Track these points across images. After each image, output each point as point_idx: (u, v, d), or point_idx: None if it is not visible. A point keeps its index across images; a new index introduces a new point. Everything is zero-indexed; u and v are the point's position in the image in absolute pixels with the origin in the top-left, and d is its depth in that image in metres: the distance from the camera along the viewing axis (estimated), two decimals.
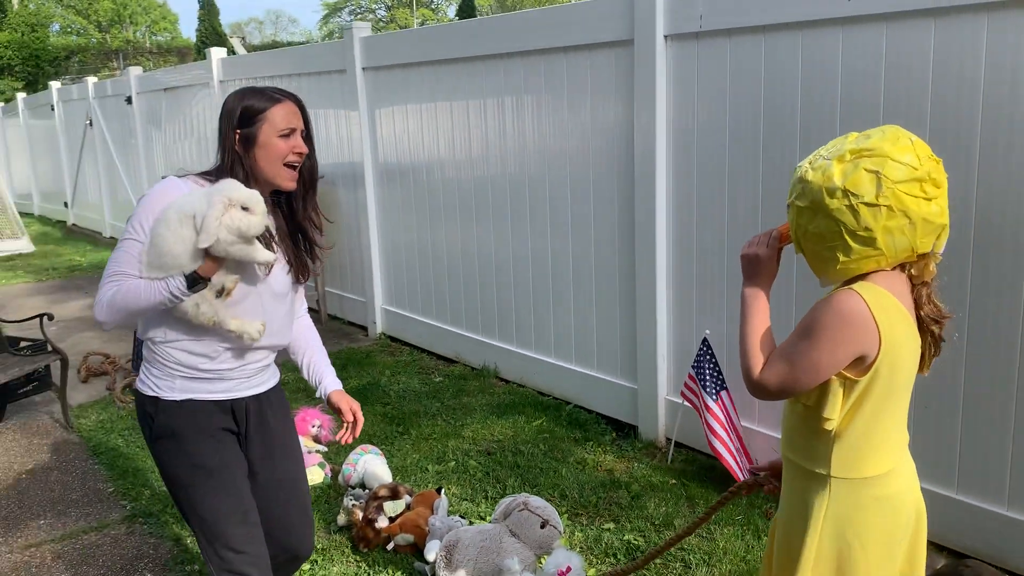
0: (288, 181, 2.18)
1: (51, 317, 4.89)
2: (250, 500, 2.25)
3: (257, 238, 2.03)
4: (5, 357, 4.86)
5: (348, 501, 3.46)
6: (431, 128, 5.45)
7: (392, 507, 3.37)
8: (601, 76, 4.18)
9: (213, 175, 2.15)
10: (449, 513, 3.38)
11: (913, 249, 1.68)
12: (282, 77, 6.99)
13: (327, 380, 2.47)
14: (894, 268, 1.73)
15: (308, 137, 2.23)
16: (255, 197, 2.02)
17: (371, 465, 3.73)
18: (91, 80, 11.68)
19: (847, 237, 1.65)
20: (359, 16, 57.36)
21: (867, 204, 1.62)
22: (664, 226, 4.01)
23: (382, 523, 3.29)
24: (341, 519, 3.47)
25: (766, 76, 3.46)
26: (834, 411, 1.73)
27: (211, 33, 28.51)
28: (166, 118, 9.50)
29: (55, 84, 13.54)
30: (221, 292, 2.07)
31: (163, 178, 2.23)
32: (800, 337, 1.70)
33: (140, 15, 47.42)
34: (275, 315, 2.23)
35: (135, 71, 10.30)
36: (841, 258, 1.68)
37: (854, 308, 1.65)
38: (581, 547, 3.28)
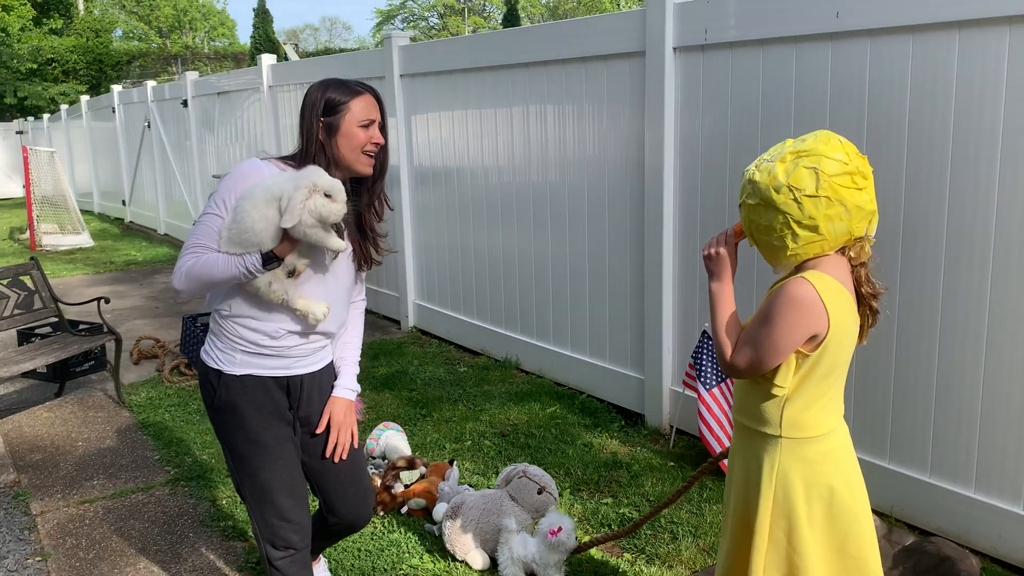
0: (366, 167, 2.31)
1: (107, 300, 5.32)
2: (299, 473, 2.42)
3: (332, 226, 2.19)
4: (66, 336, 5.29)
5: (369, 470, 3.78)
6: (461, 134, 5.78)
7: (408, 476, 3.69)
8: (616, 85, 4.46)
9: (295, 159, 2.29)
10: (459, 483, 3.68)
11: (850, 233, 1.94)
12: None
13: (342, 382, 2.52)
14: (836, 253, 1.99)
15: (383, 129, 2.35)
16: (338, 186, 2.16)
17: (392, 440, 4.05)
18: (150, 84, 12.27)
19: (794, 226, 1.92)
20: (411, 24, 58.24)
21: (809, 196, 1.89)
22: (671, 229, 4.27)
23: (398, 489, 3.60)
24: None
25: (764, 86, 3.72)
26: (786, 381, 1.99)
27: (265, 40, 29.32)
28: (219, 121, 9.99)
29: (116, 88, 14.19)
30: (292, 273, 2.21)
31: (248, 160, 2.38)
32: (761, 323, 1.97)
33: (199, 21, 48.70)
34: (336, 300, 2.36)
35: (191, 76, 10.82)
36: (791, 245, 1.94)
37: (806, 294, 1.91)
38: (580, 518, 3.56)
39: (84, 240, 12.41)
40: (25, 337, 5.72)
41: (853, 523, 2.02)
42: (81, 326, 5.69)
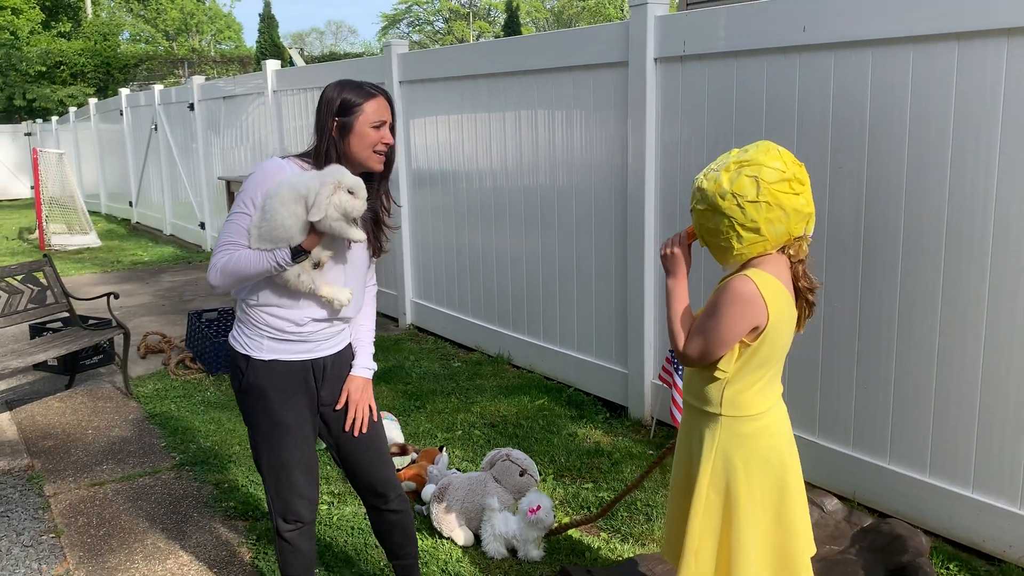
0: (377, 164, 2.48)
1: (116, 296, 5.55)
2: (313, 452, 2.60)
3: (352, 220, 2.36)
4: (76, 330, 5.53)
5: None
6: (458, 139, 6.01)
7: (399, 461, 3.91)
8: (602, 94, 4.69)
9: (311, 156, 2.45)
10: (448, 469, 3.90)
11: (789, 233, 2.16)
12: None
13: (359, 361, 2.68)
14: (777, 252, 2.22)
15: (392, 129, 2.50)
16: (360, 184, 2.33)
17: (386, 428, 4.26)
18: (157, 88, 12.52)
19: (738, 229, 2.14)
20: (416, 28, 58.54)
21: (750, 202, 2.11)
22: (652, 231, 4.49)
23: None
24: None
25: (737, 96, 3.94)
26: (728, 366, 2.21)
27: (271, 45, 29.61)
28: (224, 124, 10.24)
29: (124, 90, 14.46)
30: (317, 264, 2.40)
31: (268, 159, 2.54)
32: (709, 316, 2.19)
33: (206, 24, 49.00)
34: (355, 286, 2.54)
35: (198, 80, 11.07)
36: (736, 246, 2.17)
37: (748, 290, 2.14)
38: (561, 501, 3.78)
39: (91, 240, 12.65)
40: (37, 331, 5.95)
41: (786, 494, 2.24)
42: (91, 321, 5.93)
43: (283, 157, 2.48)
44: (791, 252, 2.22)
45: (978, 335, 3.19)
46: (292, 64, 18.05)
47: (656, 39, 4.28)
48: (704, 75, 4.09)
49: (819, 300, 3.69)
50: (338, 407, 2.63)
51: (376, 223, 2.58)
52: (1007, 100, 3.01)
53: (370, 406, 2.68)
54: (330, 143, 2.43)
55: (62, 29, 31.85)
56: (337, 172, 2.33)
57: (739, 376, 2.20)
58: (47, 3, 31.26)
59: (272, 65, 8.94)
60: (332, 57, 41.60)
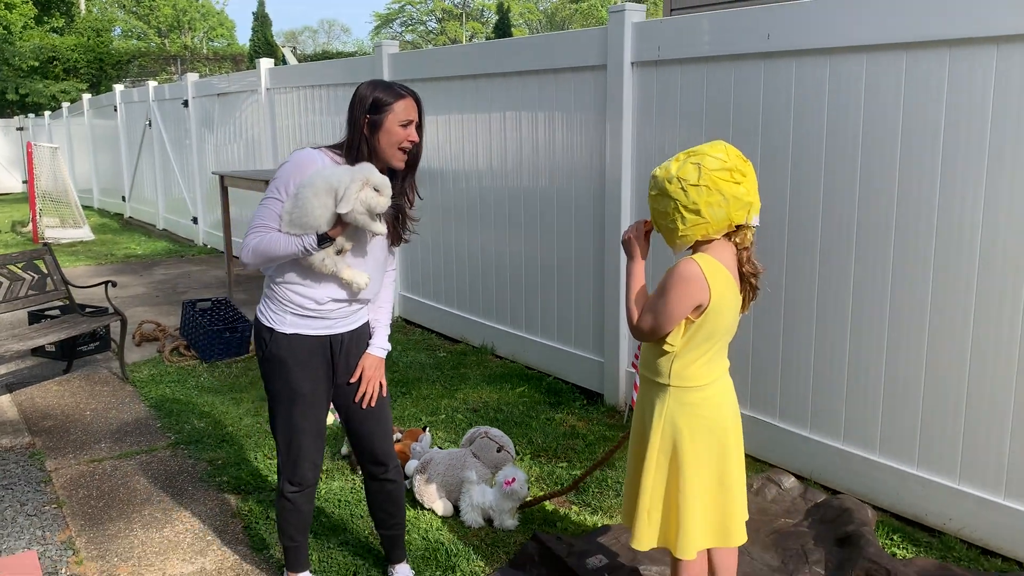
0: (400, 162, 2.67)
1: (114, 284, 5.75)
2: (323, 421, 2.83)
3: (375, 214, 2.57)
4: (75, 316, 5.73)
5: None
6: (446, 138, 6.23)
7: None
8: (582, 96, 4.92)
9: (342, 148, 2.66)
10: (430, 446, 4.13)
11: (730, 219, 2.39)
12: (322, 87, 7.85)
13: (375, 341, 2.90)
14: (724, 238, 2.45)
15: (420, 127, 2.69)
16: (386, 182, 2.53)
17: None
18: (152, 84, 12.70)
19: (682, 210, 2.38)
20: (410, 28, 58.73)
21: (692, 185, 2.35)
22: (627, 227, 4.73)
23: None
24: (344, 449, 4.24)
25: (707, 99, 4.18)
26: (675, 340, 2.45)
27: (264, 43, 29.77)
28: (218, 121, 10.43)
29: (119, 87, 14.61)
30: (340, 251, 2.64)
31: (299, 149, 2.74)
32: (658, 296, 2.43)
33: (198, 21, 49.03)
34: (373, 272, 2.76)
35: (192, 77, 11.26)
36: (680, 227, 2.40)
37: (693, 272, 2.38)
38: (537, 478, 4.01)
39: (85, 234, 12.81)
40: (36, 318, 6.15)
41: (727, 459, 2.48)
42: (88, 309, 6.12)
43: (315, 148, 2.69)
44: (736, 240, 2.46)
45: (922, 327, 3.43)
46: (285, 62, 18.24)
47: (633, 44, 4.51)
48: (677, 79, 4.33)
49: (779, 293, 3.95)
50: (351, 381, 2.83)
51: (397, 215, 2.77)
52: (948, 107, 3.25)
53: (381, 383, 2.90)
54: (361, 138, 2.62)
55: (55, 25, 31.91)
56: (366, 170, 2.55)
57: (686, 350, 2.43)
58: None
59: (266, 63, 9.14)
60: (324, 56, 41.76)
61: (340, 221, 2.57)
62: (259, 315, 2.80)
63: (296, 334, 2.73)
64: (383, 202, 2.54)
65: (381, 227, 2.62)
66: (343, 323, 2.80)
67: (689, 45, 4.21)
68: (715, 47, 4.08)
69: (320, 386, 2.81)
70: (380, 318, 2.94)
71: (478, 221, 6.01)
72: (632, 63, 4.54)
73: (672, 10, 8.86)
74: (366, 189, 2.52)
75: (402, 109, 2.62)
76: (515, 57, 5.39)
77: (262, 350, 2.78)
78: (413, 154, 2.73)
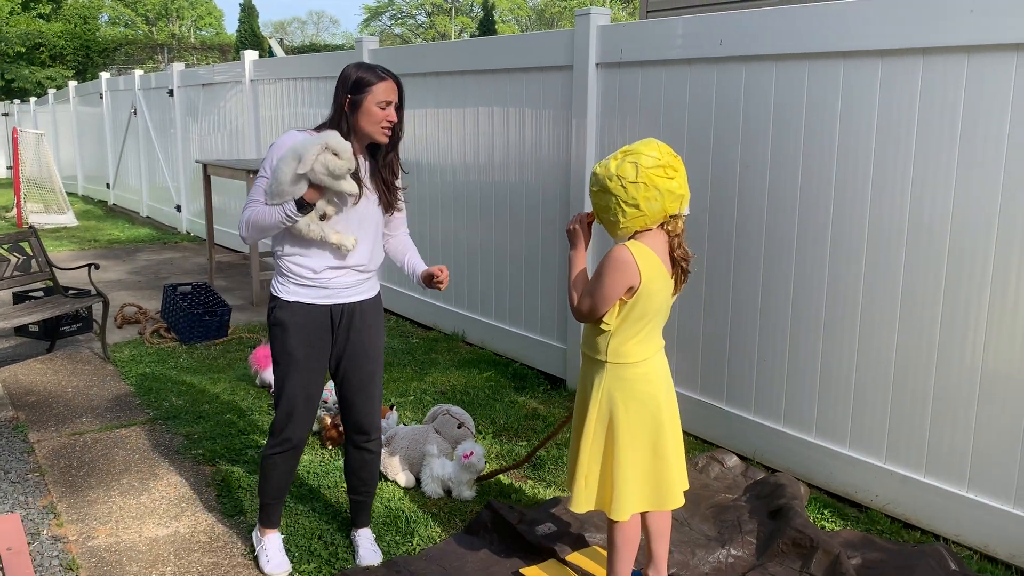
0: (383, 137, 2.90)
1: (97, 266, 5.94)
2: (317, 386, 3.04)
3: (352, 176, 2.80)
4: (58, 298, 5.91)
5: (321, 412, 4.45)
6: (421, 133, 6.45)
7: None
8: (551, 94, 5.15)
9: (325, 127, 2.88)
10: (396, 424, 4.35)
11: (665, 211, 2.63)
12: (305, 79, 8.05)
13: (419, 268, 3.14)
14: (658, 228, 2.69)
15: (400, 108, 2.91)
16: (343, 146, 2.72)
17: None
18: (138, 73, 12.83)
19: (622, 205, 2.61)
20: (399, 20, 58.81)
21: (631, 182, 2.58)
22: (593, 233, 4.95)
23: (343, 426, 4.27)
24: (315, 425, 4.46)
25: (665, 100, 4.42)
26: (611, 319, 2.69)
27: (250, 34, 29.84)
28: (203, 111, 10.60)
29: (105, 74, 14.73)
30: (324, 217, 2.86)
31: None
32: (595, 279, 2.67)
33: (186, 10, 48.89)
34: (365, 236, 2.97)
35: (178, 67, 11.41)
36: (621, 220, 2.64)
37: (624, 257, 2.62)
38: (497, 455, 4.25)
39: (69, 220, 12.94)
40: (20, 299, 6.32)
41: (660, 430, 2.72)
42: (71, 291, 6.30)
43: (300, 131, 2.94)
44: (669, 228, 2.70)
45: (854, 318, 3.68)
46: (271, 54, 18.36)
47: (597, 46, 4.74)
48: (638, 81, 4.56)
49: (727, 285, 4.20)
50: (437, 275, 3.02)
51: (387, 184, 3.02)
52: (880, 113, 3.51)
53: (378, 360, 3.14)
54: (342, 116, 2.87)
55: (42, 11, 31.84)
56: (327, 135, 2.76)
57: (621, 329, 2.67)
58: None
59: (250, 55, 9.32)
60: (312, 48, 41.78)
61: (312, 186, 2.79)
62: (271, 287, 3.07)
63: (297, 302, 2.98)
64: (340, 164, 2.73)
65: (350, 185, 2.82)
66: (345, 293, 3.02)
67: (649, 48, 4.44)
68: (672, 51, 4.31)
69: (316, 353, 3.02)
70: (414, 258, 3.20)
71: (451, 213, 6.23)
72: (596, 64, 4.78)
73: (648, 12, 9.11)
74: (326, 152, 2.73)
75: (381, 91, 2.85)
76: (491, 55, 5.61)
77: (269, 315, 3.05)
78: (396, 132, 2.96)
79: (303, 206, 2.81)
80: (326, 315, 3.03)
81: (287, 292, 3.00)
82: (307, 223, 2.86)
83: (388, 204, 3.06)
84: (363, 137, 2.93)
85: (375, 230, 3.06)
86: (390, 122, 2.89)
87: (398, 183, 3.10)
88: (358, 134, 2.91)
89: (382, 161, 3.00)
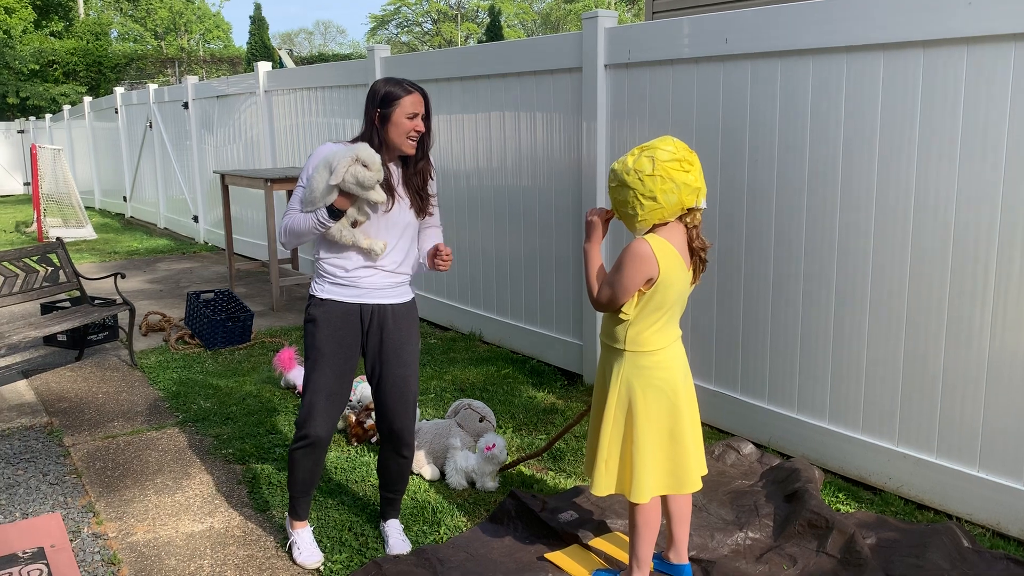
0: (410, 148, 3.05)
1: (123, 276, 6.09)
2: (343, 384, 3.14)
3: (381, 185, 2.94)
4: (85, 307, 6.07)
5: (346, 410, 4.57)
6: (435, 137, 6.57)
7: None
8: (560, 96, 5.27)
9: (358, 140, 3.03)
10: (419, 419, 4.47)
11: (682, 204, 2.74)
12: (317, 88, 8.20)
13: (426, 245, 3.22)
14: (676, 220, 2.80)
15: (427, 118, 3.07)
16: (372, 158, 2.87)
17: (365, 389, 4.82)
18: (152, 87, 13.03)
19: (640, 198, 2.72)
20: (405, 29, 59.07)
21: (648, 175, 2.69)
22: (609, 227, 5.06)
23: (368, 424, 4.39)
24: (340, 423, 4.58)
25: (673, 99, 4.53)
26: (630, 310, 2.80)
27: (260, 46, 30.14)
28: (218, 122, 10.77)
29: (119, 89, 14.94)
30: (355, 223, 3.01)
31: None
32: (615, 271, 2.78)
33: (195, 24, 49.30)
34: (396, 240, 3.10)
35: (191, 79, 11.60)
36: (639, 213, 2.75)
37: (643, 250, 2.73)
38: (517, 448, 4.36)
39: (87, 233, 13.14)
40: (47, 310, 6.48)
41: (677, 416, 2.83)
42: (97, 300, 6.46)
43: (335, 142, 3.09)
44: (687, 220, 2.81)
45: (863, 308, 3.78)
46: (281, 64, 18.56)
47: (605, 48, 4.86)
48: (646, 81, 4.68)
49: (739, 277, 4.30)
50: (429, 259, 3.15)
51: (419, 191, 3.15)
52: (884, 104, 3.61)
53: (413, 365, 3.25)
54: (373, 129, 3.03)
55: (54, 28, 32.23)
56: (357, 147, 2.91)
57: (639, 319, 2.78)
58: (39, 2, 31.62)
59: (264, 66, 9.48)
60: (321, 58, 42.06)
61: (342, 193, 2.93)
62: (310, 288, 3.22)
63: (330, 299, 3.13)
64: (369, 175, 2.88)
65: (378, 195, 2.95)
66: (376, 294, 3.14)
67: (657, 49, 4.55)
68: (679, 50, 4.42)
69: (344, 351, 3.14)
70: (431, 242, 3.26)
71: (466, 217, 6.36)
72: (605, 65, 4.89)
73: (654, 12, 9.23)
74: (355, 165, 2.87)
75: (409, 103, 3.00)
76: (500, 60, 5.73)
77: (306, 312, 3.19)
78: (423, 145, 3.11)
79: (334, 213, 2.96)
80: (356, 314, 3.14)
81: (322, 291, 3.14)
82: (339, 229, 3.00)
83: (420, 209, 3.18)
84: (393, 148, 3.07)
85: (408, 235, 3.18)
86: (417, 132, 3.03)
87: (430, 189, 3.23)
88: (388, 145, 3.06)
89: (413, 169, 3.14)
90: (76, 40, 29.68)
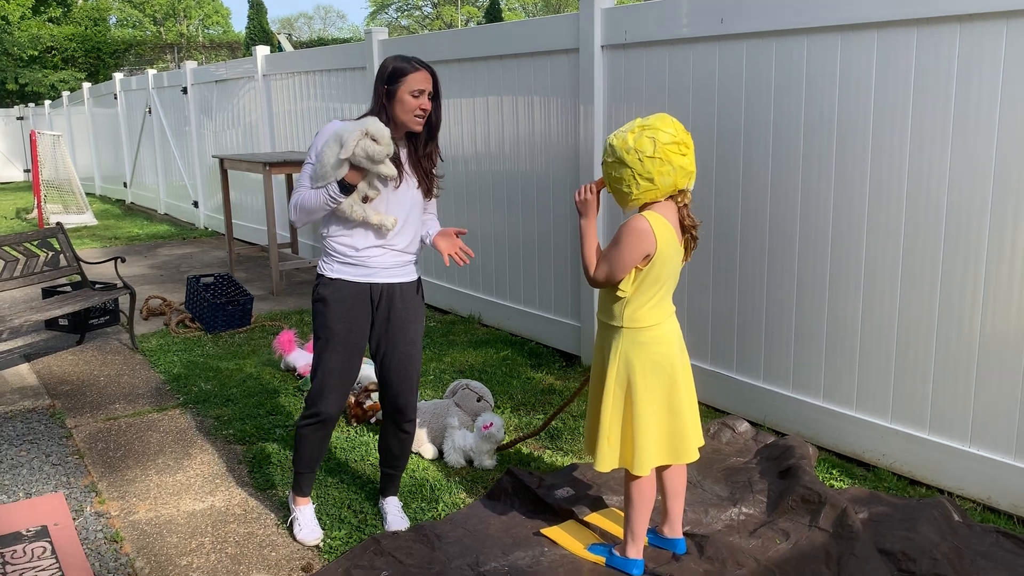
0: (416, 126, 3.04)
1: (123, 260, 6.12)
2: (352, 362, 3.15)
3: (392, 161, 2.95)
4: (86, 291, 6.10)
5: None
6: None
7: (376, 395, 4.51)
8: (558, 78, 5.28)
9: (366, 116, 2.99)
10: (418, 400, 4.51)
11: (675, 185, 2.77)
12: (316, 72, 8.20)
13: (432, 230, 3.25)
14: (667, 199, 2.82)
15: (436, 98, 3.06)
16: (382, 132, 2.86)
17: (366, 370, 4.86)
18: (151, 72, 13.02)
19: (637, 178, 2.74)
20: (405, 13, 58.85)
21: (648, 157, 2.71)
22: (601, 203, 5.08)
23: (368, 404, 4.43)
24: None
25: (669, 80, 4.54)
26: (627, 286, 2.83)
27: (259, 31, 30.06)
28: (217, 107, 10.77)
29: (118, 75, 14.92)
30: (366, 199, 3.00)
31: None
32: (613, 247, 2.80)
33: (194, 9, 49.11)
34: (404, 218, 3.10)
35: (190, 64, 11.58)
36: (634, 192, 2.77)
37: (642, 226, 2.75)
38: (516, 427, 4.40)
39: (88, 219, 13.16)
40: (48, 294, 6.52)
41: (673, 386, 2.86)
42: (97, 285, 6.49)
43: (342, 120, 3.10)
44: (678, 200, 2.83)
45: (857, 287, 3.81)
46: (280, 49, 18.52)
47: (602, 28, 4.86)
48: (643, 61, 4.68)
49: (734, 259, 4.33)
50: (439, 246, 3.18)
51: (426, 172, 3.17)
52: (877, 82, 3.62)
53: (417, 342, 3.28)
54: (380, 106, 3.04)
55: (52, 14, 32.12)
56: (367, 122, 2.91)
57: (636, 295, 2.81)
58: None
59: (262, 51, 9.47)
60: (320, 42, 41.92)
61: (353, 168, 2.94)
62: (318, 267, 3.22)
63: (339, 279, 3.13)
64: (378, 149, 2.88)
65: (388, 169, 2.96)
66: (385, 273, 3.15)
67: (653, 29, 4.56)
68: (675, 31, 4.43)
69: (354, 330, 3.16)
70: (432, 227, 3.29)
71: (465, 201, 6.37)
72: (602, 46, 4.90)
73: None
74: (365, 139, 2.88)
75: (414, 80, 2.99)
76: (498, 41, 5.73)
77: (314, 292, 3.20)
78: (432, 121, 3.10)
79: (345, 188, 2.96)
80: (366, 293, 3.16)
81: (331, 270, 3.15)
82: (350, 204, 3.00)
83: (427, 190, 3.21)
84: (400, 126, 3.06)
85: (415, 213, 3.19)
86: (423, 110, 3.02)
87: (437, 171, 3.25)
88: (395, 123, 3.06)
89: (422, 151, 3.15)
90: (74, 26, 29.59)
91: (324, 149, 2.95)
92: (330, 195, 2.97)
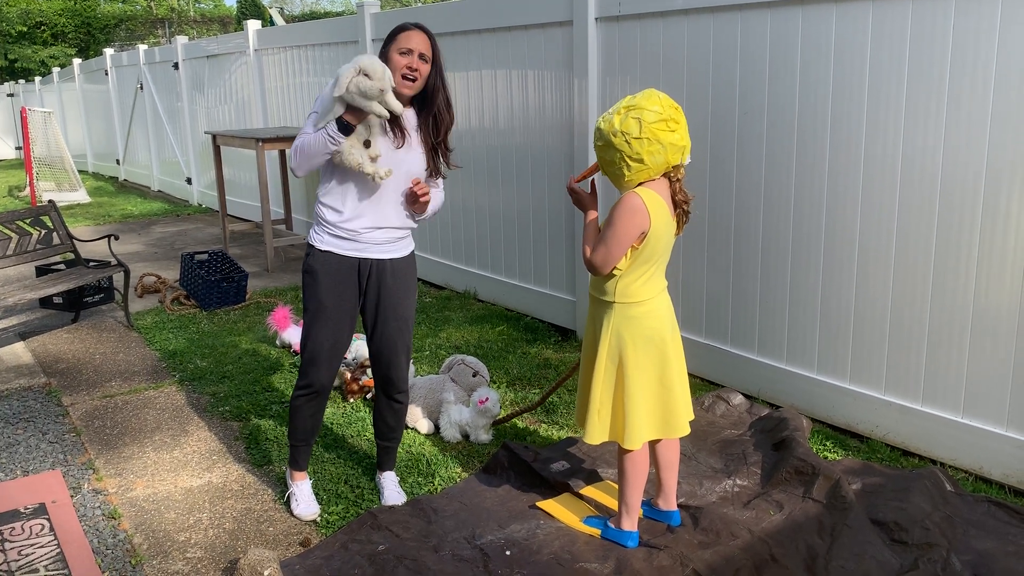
0: (404, 87, 2.98)
1: (116, 237, 6.10)
2: (342, 335, 3.16)
3: (392, 122, 2.95)
4: (80, 269, 6.08)
5: (342, 367, 4.62)
6: None
7: (371, 372, 4.51)
8: (552, 51, 5.24)
9: None
10: (414, 376, 4.52)
11: (668, 163, 2.76)
12: (307, 46, 8.13)
13: (435, 200, 3.21)
14: (661, 176, 2.81)
15: (434, 63, 3.02)
16: (375, 67, 2.80)
17: (361, 347, 4.86)
18: (142, 47, 12.89)
19: (628, 160, 2.73)
20: None
21: (635, 138, 2.70)
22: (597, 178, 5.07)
23: (364, 380, 4.44)
24: (336, 380, 4.63)
25: (664, 52, 4.51)
26: (622, 264, 2.82)
27: (250, 5, 29.76)
28: (208, 83, 10.68)
29: (109, 50, 14.78)
30: (367, 144, 2.96)
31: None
32: (608, 227, 2.80)
33: None
34: (399, 182, 3.07)
35: (181, 40, 11.48)
36: (626, 174, 2.76)
37: (636, 203, 2.75)
38: (512, 402, 4.41)
39: (81, 196, 13.09)
40: (42, 272, 6.50)
41: (665, 361, 2.87)
42: (91, 263, 6.47)
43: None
44: (671, 175, 2.82)
45: (851, 259, 3.81)
46: (272, 23, 18.36)
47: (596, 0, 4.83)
48: (637, 33, 4.65)
49: (729, 232, 4.32)
50: (413, 198, 3.12)
51: (434, 151, 3.16)
52: (872, 55, 3.60)
53: (410, 301, 3.28)
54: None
55: None
56: (361, 58, 2.87)
57: (628, 271, 2.81)
58: None
59: (253, 25, 9.39)
60: (312, 16, 41.50)
61: (351, 107, 2.89)
62: (308, 235, 3.21)
63: (329, 251, 3.12)
64: (372, 84, 2.81)
65: (380, 108, 2.89)
66: (376, 249, 3.14)
67: (647, 0, 4.52)
68: (669, 2, 4.39)
69: (344, 304, 3.16)
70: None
71: (459, 175, 6.35)
72: (596, 18, 4.86)
73: None
74: (359, 75, 2.83)
75: (403, 39, 2.98)
76: (492, 13, 5.68)
77: (304, 263, 3.20)
78: (429, 90, 3.06)
79: (344, 127, 2.91)
80: (355, 268, 3.15)
81: (321, 241, 3.14)
82: (349, 147, 2.95)
83: (434, 169, 3.19)
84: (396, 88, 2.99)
85: (410, 184, 3.12)
86: (410, 69, 2.97)
87: (448, 144, 3.25)
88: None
89: (421, 121, 3.12)
90: (64, 1, 29.26)
91: (325, 90, 2.94)
92: (329, 135, 2.92)
